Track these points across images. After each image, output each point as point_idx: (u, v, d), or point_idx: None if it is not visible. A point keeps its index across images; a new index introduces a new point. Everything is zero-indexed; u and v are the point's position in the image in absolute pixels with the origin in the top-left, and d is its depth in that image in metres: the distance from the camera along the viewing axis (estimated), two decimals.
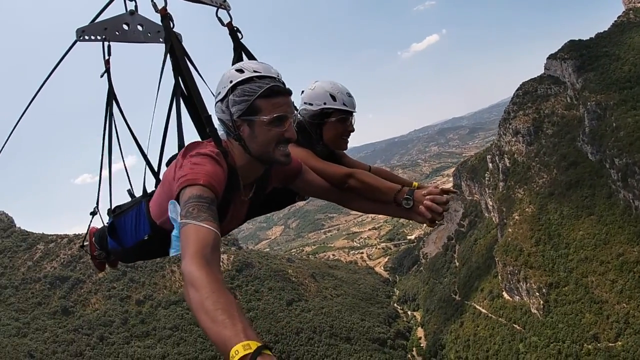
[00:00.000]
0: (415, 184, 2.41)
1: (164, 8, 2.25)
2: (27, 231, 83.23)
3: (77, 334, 65.19)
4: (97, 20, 2.59)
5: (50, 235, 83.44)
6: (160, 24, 2.34)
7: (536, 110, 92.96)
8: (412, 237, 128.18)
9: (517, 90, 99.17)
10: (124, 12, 2.65)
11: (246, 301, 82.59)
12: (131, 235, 2.24)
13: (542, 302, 72.01)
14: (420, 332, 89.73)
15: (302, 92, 2.65)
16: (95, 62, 2.79)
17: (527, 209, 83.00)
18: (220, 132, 1.84)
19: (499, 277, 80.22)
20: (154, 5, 2.26)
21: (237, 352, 0.97)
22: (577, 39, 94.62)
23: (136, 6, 2.64)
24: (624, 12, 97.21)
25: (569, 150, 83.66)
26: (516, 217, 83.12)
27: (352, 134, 2.72)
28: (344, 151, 2.91)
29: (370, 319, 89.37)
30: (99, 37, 2.59)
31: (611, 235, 70.71)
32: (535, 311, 72.58)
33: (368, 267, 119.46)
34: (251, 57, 2.62)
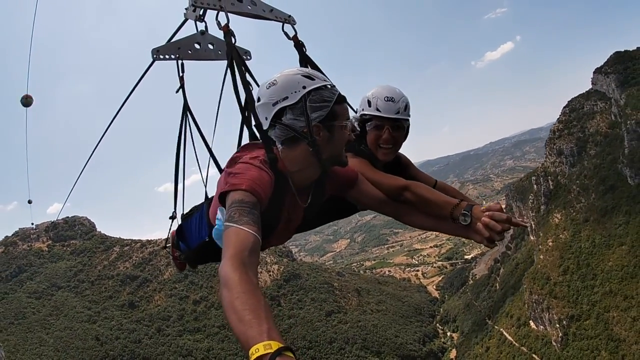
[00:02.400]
0: (491, 203, 2.33)
1: (227, 25, 2.42)
2: (106, 235, 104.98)
3: (138, 324, 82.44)
4: (171, 41, 2.88)
5: (126, 239, 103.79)
6: None
7: (581, 129, 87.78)
8: (469, 256, 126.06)
9: (564, 107, 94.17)
10: (195, 32, 2.93)
11: (289, 309, 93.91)
12: (195, 237, 2.40)
13: (561, 334, 69.92)
14: (453, 353, 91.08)
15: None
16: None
17: (561, 235, 79.86)
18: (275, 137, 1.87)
19: (525, 305, 78.89)
20: (218, 24, 2.44)
21: (257, 350, 1.00)
22: (622, 49, 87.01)
23: (206, 26, 2.89)
24: None
25: (609, 173, 78.28)
26: (550, 244, 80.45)
27: (404, 142, 2.63)
28: (410, 161, 2.91)
29: (405, 336, 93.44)
30: (172, 56, 2.87)
31: (639, 267, 66.08)
32: (554, 343, 70.69)
33: (420, 285, 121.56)
34: (317, 69, 2.66)
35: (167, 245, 2.83)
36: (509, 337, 79.25)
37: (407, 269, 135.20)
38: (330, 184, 2.09)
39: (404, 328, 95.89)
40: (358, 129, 2.55)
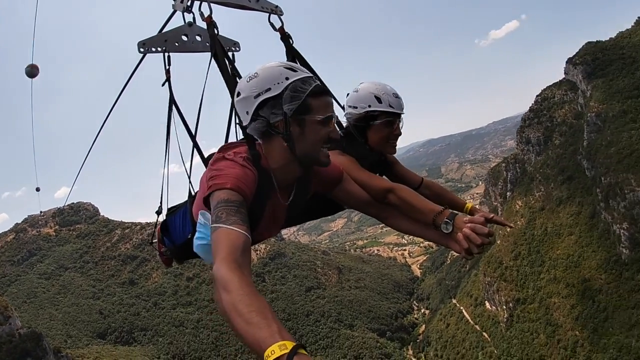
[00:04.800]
0: (469, 205, 2.38)
1: (209, 16, 2.36)
2: (108, 219, 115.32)
3: (137, 299, 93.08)
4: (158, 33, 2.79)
5: (127, 222, 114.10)
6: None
7: (550, 119, 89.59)
8: None
9: (537, 96, 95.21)
10: (183, 24, 2.84)
11: (272, 284, 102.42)
12: (179, 234, 2.38)
13: (507, 315, 75.53)
14: (422, 328, 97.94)
15: (347, 95, 2.56)
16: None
17: (518, 222, 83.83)
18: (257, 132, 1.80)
19: (480, 287, 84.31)
20: (201, 14, 2.37)
21: (272, 352, 0.98)
22: (595, 40, 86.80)
23: (194, 18, 2.73)
24: None
25: (569, 164, 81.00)
26: (507, 229, 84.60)
27: (399, 137, 2.56)
28: (396, 158, 2.82)
29: (379, 311, 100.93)
30: (159, 49, 2.78)
31: (583, 258, 70.10)
32: (501, 323, 76.36)
33: (405, 264, 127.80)
34: (303, 61, 2.67)
35: (153, 241, 2.84)
36: (467, 315, 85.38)
37: (394, 248, 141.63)
38: (314, 181, 2.05)
39: (379, 304, 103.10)
40: (350, 126, 2.53)
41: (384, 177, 2.59)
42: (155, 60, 2.81)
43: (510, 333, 73.32)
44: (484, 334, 78.49)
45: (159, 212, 2.91)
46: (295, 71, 1.73)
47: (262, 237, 2.02)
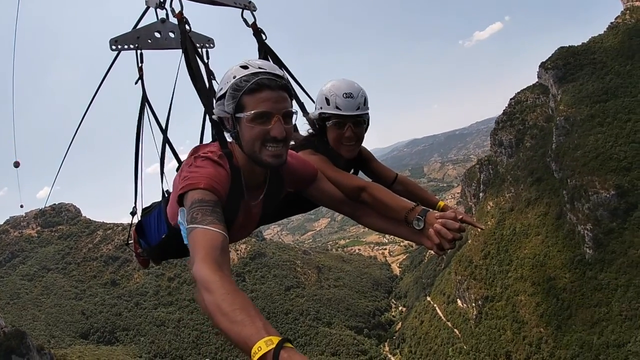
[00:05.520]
0: (441, 203, 2.31)
1: (180, 12, 2.36)
2: (90, 220, 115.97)
3: (119, 299, 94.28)
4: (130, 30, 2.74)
5: (109, 223, 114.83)
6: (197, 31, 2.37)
7: (522, 122, 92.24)
8: None
9: (511, 99, 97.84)
10: (156, 20, 2.78)
11: (252, 284, 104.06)
12: (154, 234, 2.36)
13: (476, 312, 78.18)
14: (399, 325, 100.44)
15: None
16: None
17: (489, 222, 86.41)
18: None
19: (452, 285, 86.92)
20: (172, 11, 2.42)
21: (259, 349, 0.99)
22: (567, 45, 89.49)
23: (167, 14, 2.74)
24: (621, 12, 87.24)
25: (539, 166, 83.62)
26: (478, 230, 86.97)
27: (363, 137, 2.50)
28: (371, 154, 2.79)
29: (357, 309, 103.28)
30: (132, 46, 2.73)
31: (549, 257, 72.77)
32: (471, 320, 79.03)
33: (385, 263, 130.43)
34: (276, 58, 2.65)
35: (129, 242, 2.81)
36: (440, 313, 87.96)
37: (375, 247, 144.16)
38: (288, 180, 2.04)
39: (357, 302, 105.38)
40: (316, 126, 2.49)
41: (359, 173, 2.73)
42: (132, 57, 2.82)
43: (479, 329, 75.94)
44: (455, 330, 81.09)
45: (133, 213, 2.86)
46: (246, 68, 1.68)
47: (238, 235, 2.04)
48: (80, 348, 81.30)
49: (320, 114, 2.42)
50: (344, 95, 2.35)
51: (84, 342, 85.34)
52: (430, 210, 1.95)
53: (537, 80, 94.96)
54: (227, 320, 1.10)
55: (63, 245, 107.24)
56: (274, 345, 0.99)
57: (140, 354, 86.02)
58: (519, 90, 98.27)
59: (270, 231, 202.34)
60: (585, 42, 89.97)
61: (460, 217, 1.83)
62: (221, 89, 1.71)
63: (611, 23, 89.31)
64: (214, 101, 1.79)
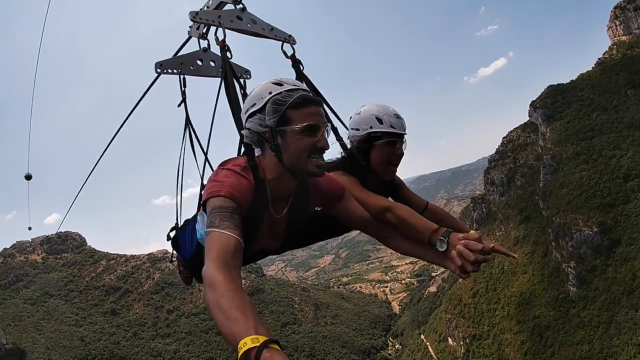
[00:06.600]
0: (472, 232, 1.98)
1: (223, 40, 2.53)
2: (95, 249, 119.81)
3: (118, 329, 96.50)
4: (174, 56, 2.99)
5: (112, 254, 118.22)
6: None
7: (513, 160, 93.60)
8: (435, 274, 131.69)
9: (503, 138, 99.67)
10: (199, 49, 3.04)
11: None
12: (188, 248, 2.42)
13: (464, 350, 77.22)
14: None
15: (350, 117, 2.58)
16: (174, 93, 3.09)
17: None
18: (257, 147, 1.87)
19: (443, 322, 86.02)
20: (216, 39, 2.54)
21: (244, 344, 1.04)
22: (556, 83, 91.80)
23: (209, 44, 3.01)
24: (609, 47, 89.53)
25: (528, 204, 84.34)
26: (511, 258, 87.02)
27: (401, 159, 2.54)
28: (402, 182, 2.81)
29: (352, 347, 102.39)
30: (175, 71, 2.97)
31: (535, 295, 72.40)
32: (459, 359, 77.76)
33: (385, 301, 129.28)
34: (312, 87, 2.76)
35: (173, 259, 2.85)
36: (431, 351, 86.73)
37: (377, 285, 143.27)
38: (315, 196, 2.06)
39: (353, 339, 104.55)
40: (353, 148, 2.51)
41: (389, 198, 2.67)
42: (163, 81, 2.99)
43: None
44: None
45: (174, 229, 2.81)
46: (280, 85, 1.78)
47: (260, 246, 2.08)
48: None
49: (369, 133, 2.46)
50: (395, 115, 2.46)
51: None
52: (454, 232, 1.89)
53: (528, 118, 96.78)
54: (223, 316, 1.15)
55: (67, 272, 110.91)
56: (259, 343, 1.04)
57: None
58: (511, 129, 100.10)
59: (275, 267, 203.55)
60: (573, 79, 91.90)
61: (492, 245, 1.76)
62: (254, 104, 1.80)
63: (599, 59, 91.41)
64: (244, 116, 1.89)
